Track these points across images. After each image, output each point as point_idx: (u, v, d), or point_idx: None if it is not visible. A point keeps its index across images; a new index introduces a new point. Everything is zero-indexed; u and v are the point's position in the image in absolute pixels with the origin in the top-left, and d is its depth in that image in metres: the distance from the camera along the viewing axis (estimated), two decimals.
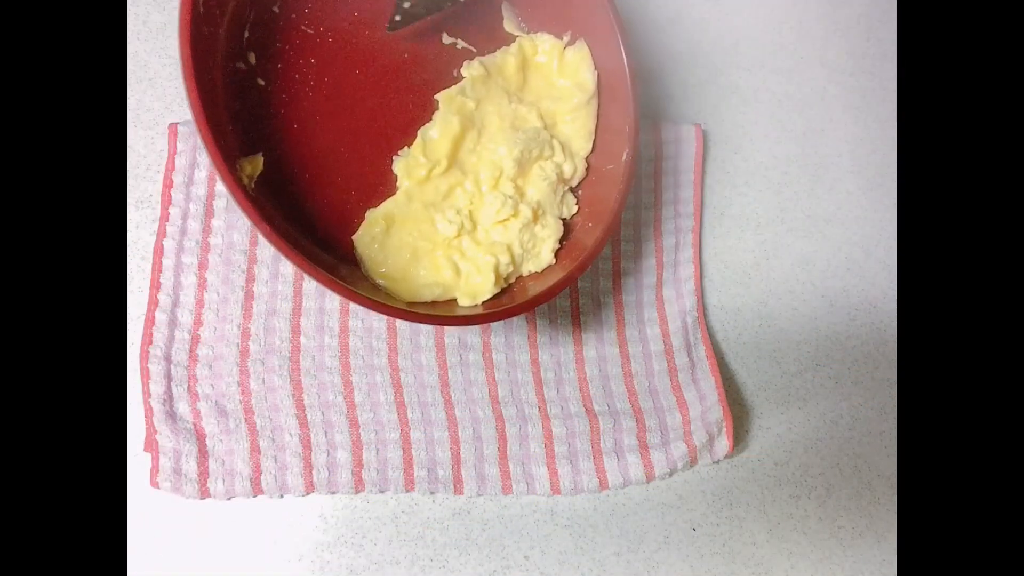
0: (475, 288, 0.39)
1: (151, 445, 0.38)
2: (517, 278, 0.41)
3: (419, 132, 0.41)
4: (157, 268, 0.41)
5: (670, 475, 0.43)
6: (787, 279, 0.50)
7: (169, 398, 0.39)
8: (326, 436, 0.40)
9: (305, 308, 0.42)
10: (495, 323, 0.44)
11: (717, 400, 0.44)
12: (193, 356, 0.40)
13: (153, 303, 0.41)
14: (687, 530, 0.43)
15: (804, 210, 0.51)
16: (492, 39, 0.44)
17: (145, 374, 0.39)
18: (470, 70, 0.42)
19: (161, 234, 0.42)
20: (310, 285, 0.43)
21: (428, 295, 0.39)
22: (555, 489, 0.41)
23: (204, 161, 0.43)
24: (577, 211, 0.43)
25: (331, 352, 0.42)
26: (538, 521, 0.42)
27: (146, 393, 0.39)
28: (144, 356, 0.40)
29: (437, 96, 0.41)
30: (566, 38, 0.43)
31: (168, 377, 0.40)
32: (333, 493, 0.40)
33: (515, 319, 0.45)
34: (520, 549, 0.41)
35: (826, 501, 0.45)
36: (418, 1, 0.40)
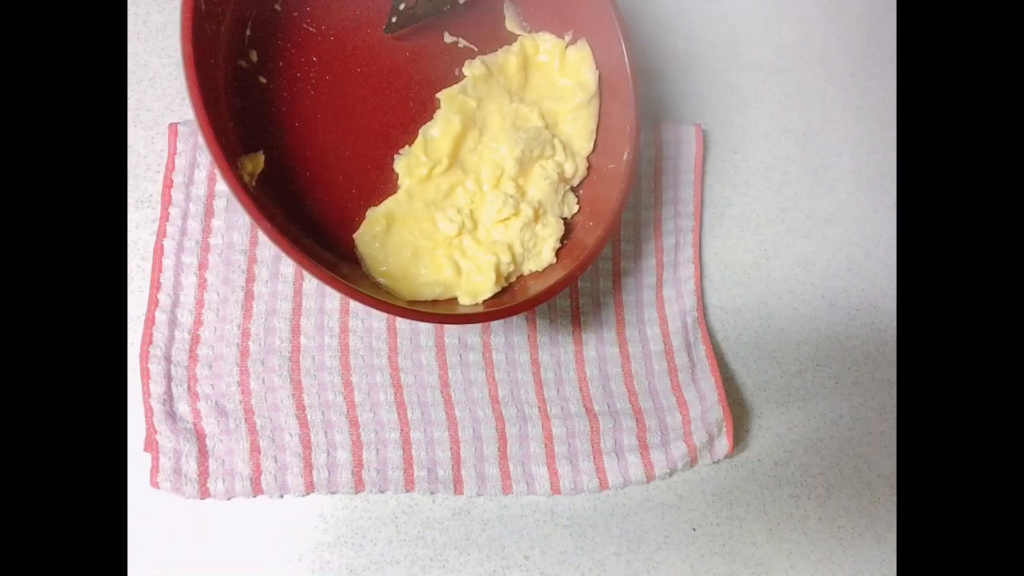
0: (476, 287, 0.39)
1: (151, 445, 0.38)
2: (518, 277, 0.41)
3: (420, 131, 0.41)
4: (157, 268, 0.41)
5: (670, 475, 0.43)
6: (787, 279, 0.50)
7: (169, 398, 0.39)
8: (326, 436, 0.40)
9: (305, 308, 0.42)
10: (495, 323, 0.44)
11: (717, 400, 0.44)
12: (193, 356, 0.40)
13: (153, 303, 0.41)
14: (687, 530, 0.43)
15: (804, 210, 0.51)
16: (494, 38, 0.44)
17: (145, 374, 0.39)
18: (472, 69, 0.42)
19: (161, 234, 0.42)
20: (310, 285, 0.43)
21: (429, 294, 0.39)
22: (555, 489, 0.41)
23: (204, 161, 0.43)
24: (578, 210, 0.43)
25: (331, 352, 0.42)
26: (538, 521, 0.42)
27: (146, 393, 0.39)
28: (144, 356, 0.40)
29: (438, 95, 0.41)
30: (568, 37, 0.43)
31: (168, 377, 0.40)
32: (333, 493, 0.40)
33: (515, 319, 0.45)
34: (520, 549, 0.41)
35: (826, 501, 0.45)
36: (415, 4, 0.40)
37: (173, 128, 0.43)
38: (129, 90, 0.44)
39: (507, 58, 0.43)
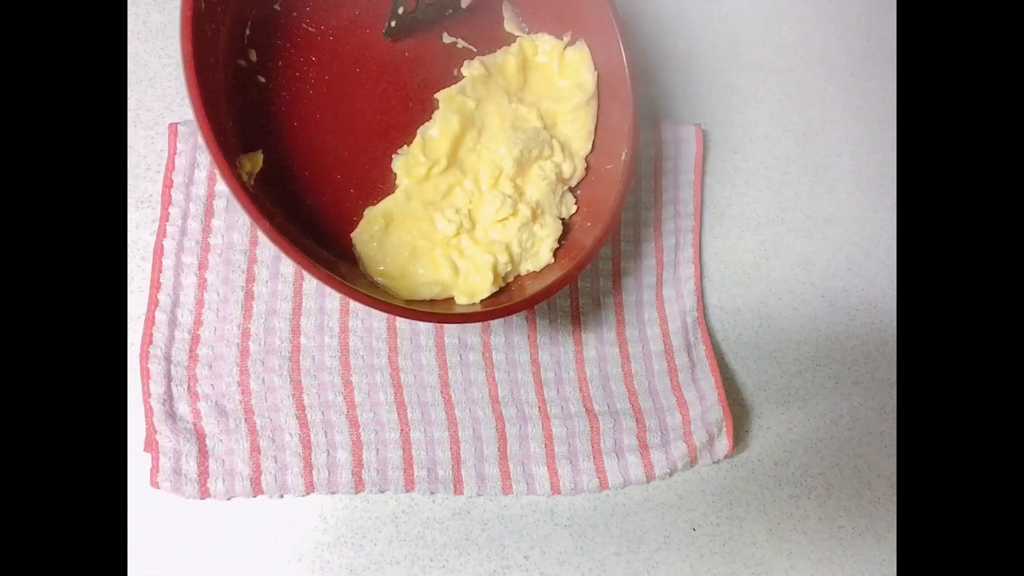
0: (473, 287, 0.39)
1: (151, 445, 0.38)
2: (515, 277, 0.41)
3: (419, 131, 0.41)
4: (157, 268, 0.41)
5: (670, 475, 0.43)
6: (787, 279, 0.50)
7: (169, 398, 0.39)
8: (326, 436, 0.40)
9: (305, 308, 0.42)
10: (495, 323, 0.44)
11: (717, 400, 0.44)
12: (193, 356, 0.40)
13: (153, 303, 0.41)
14: (687, 530, 0.43)
15: (804, 210, 0.51)
16: (492, 39, 0.44)
17: (145, 374, 0.39)
18: (470, 69, 0.42)
19: (161, 234, 0.42)
20: (310, 285, 0.43)
21: (427, 293, 0.39)
22: (555, 489, 0.41)
23: (204, 161, 0.43)
24: (576, 211, 0.43)
25: (331, 352, 0.42)
26: (538, 521, 0.42)
27: (146, 393, 0.39)
28: (144, 356, 0.40)
29: (437, 95, 0.41)
30: (566, 38, 0.43)
31: (168, 377, 0.40)
32: (333, 493, 0.40)
33: (515, 319, 0.45)
34: (520, 549, 0.41)
35: (826, 501, 0.45)
36: (414, 9, 0.40)
37: (173, 128, 0.43)
38: (129, 90, 0.44)
39: (506, 59, 0.43)
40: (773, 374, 0.47)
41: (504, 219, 0.40)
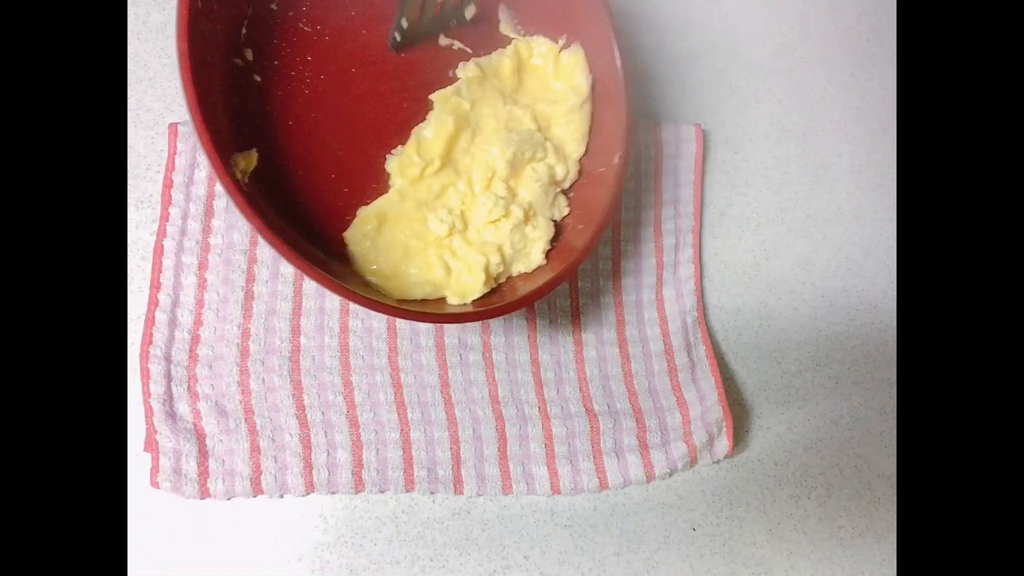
0: (465, 287, 0.39)
1: (151, 445, 0.38)
2: (507, 278, 0.41)
3: (413, 131, 0.41)
4: (157, 268, 0.41)
5: (670, 475, 0.43)
6: (787, 279, 0.50)
7: (169, 398, 0.39)
8: (326, 436, 0.40)
9: (305, 308, 0.42)
10: (495, 323, 0.44)
11: (717, 400, 0.44)
12: (193, 356, 0.40)
13: (153, 303, 0.41)
14: (687, 530, 0.43)
15: (804, 210, 0.51)
16: (488, 41, 0.44)
17: (145, 374, 0.39)
18: (466, 71, 0.42)
19: (161, 234, 0.42)
20: (310, 285, 0.43)
21: (418, 293, 0.39)
22: (555, 489, 0.41)
23: (204, 161, 0.43)
24: (568, 213, 0.43)
25: (331, 352, 0.42)
26: (538, 521, 0.42)
27: (146, 393, 0.39)
28: (144, 356, 0.40)
29: (432, 96, 0.41)
30: (562, 41, 0.43)
31: (168, 377, 0.40)
32: (333, 493, 0.40)
33: (515, 319, 0.45)
34: (520, 549, 0.41)
35: (826, 501, 0.45)
36: (418, 22, 0.41)
37: (173, 128, 0.43)
38: (129, 90, 0.44)
39: (501, 61, 0.43)
40: (773, 374, 0.47)
41: (496, 220, 0.40)
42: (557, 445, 0.42)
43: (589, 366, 0.45)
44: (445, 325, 0.43)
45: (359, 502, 0.41)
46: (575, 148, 0.43)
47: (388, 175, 0.41)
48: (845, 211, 0.52)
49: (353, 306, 0.43)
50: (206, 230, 0.42)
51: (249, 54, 0.39)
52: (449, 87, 0.42)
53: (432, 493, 0.41)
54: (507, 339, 0.44)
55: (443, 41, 0.43)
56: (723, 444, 0.43)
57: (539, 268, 0.41)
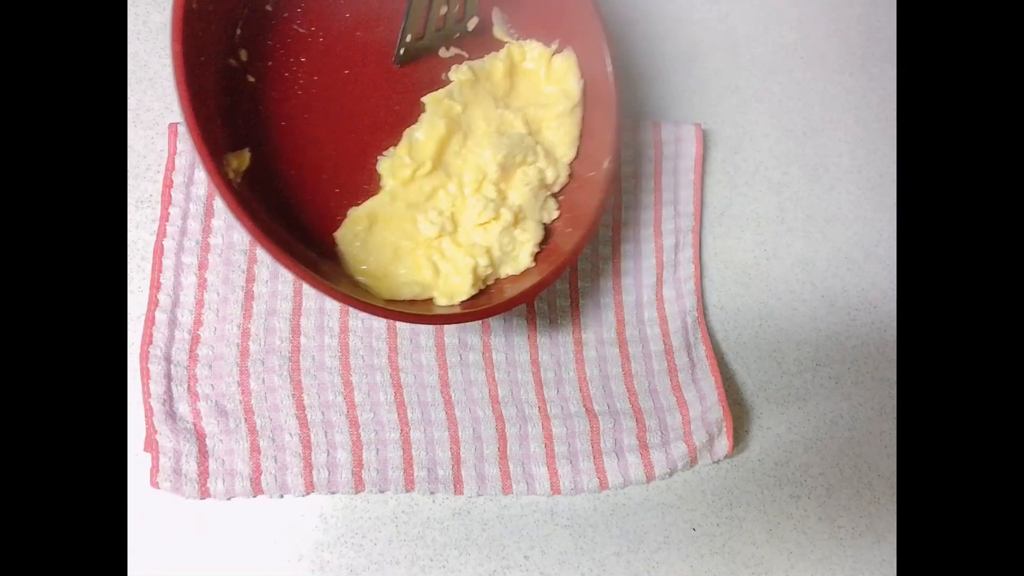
0: (453, 288, 0.39)
1: (151, 445, 0.38)
2: (495, 280, 0.41)
3: (405, 133, 0.41)
4: (157, 268, 0.41)
5: (670, 475, 0.43)
6: (787, 279, 0.50)
7: (169, 398, 0.39)
8: (326, 436, 0.40)
9: (305, 308, 0.42)
10: (495, 323, 0.44)
11: (717, 400, 0.44)
12: (193, 356, 0.41)
13: (153, 303, 0.41)
14: (687, 530, 0.43)
15: (804, 210, 0.51)
16: (481, 44, 0.44)
17: (145, 374, 0.39)
18: (458, 74, 0.42)
19: (161, 234, 0.42)
20: None
21: (407, 293, 0.39)
22: (555, 489, 0.41)
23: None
24: (558, 216, 0.43)
25: (331, 352, 0.42)
26: (538, 521, 0.42)
27: (146, 393, 0.39)
28: (144, 356, 0.40)
29: (424, 98, 0.41)
30: (554, 46, 0.44)
31: (168, 377, 0.40)
32: (333, 493, 0.40)
33: (515, 319, 0.45)
34: (520, 549, 0.41)
35: (826, 501, 0.45)
36: (422, 35, 0.41)
37: (173, 128, 0.43)
38: (129, 90, 0.45)
39: (494, 64, 0.43)
40: (773, 374, 0.47)
41: (486, 223, 0.40)
42: (557, 445, 0.42)
43: (589, 366, 0.45)
44: (445, 325, 0.43)
45: (359, 502, 0.41)
46: (566, 152, 0.43)
47: (379, 176, 0.41)
48: (845, 211, 0.52)
49: None
50: (206, 230, 0.42)
51: (243, 55, 0.39)
52: (441, 90, 0.42)
53: (432, 493, 0.41)
54: (507, 339, 0.44)
55: (444, 53, 0.43)
56: (723, 444, 0.43)
57: (527, 271, 0.41)
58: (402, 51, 0.41)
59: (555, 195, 0.44)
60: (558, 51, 0.44)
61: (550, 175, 0.42)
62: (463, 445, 0.41)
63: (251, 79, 0.39)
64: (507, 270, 0.41)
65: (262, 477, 0.39)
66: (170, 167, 0.43)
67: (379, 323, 0.43)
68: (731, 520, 0.44)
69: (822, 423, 0.47)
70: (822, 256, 0.51)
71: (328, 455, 0.40)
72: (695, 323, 0.46)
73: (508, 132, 0.42)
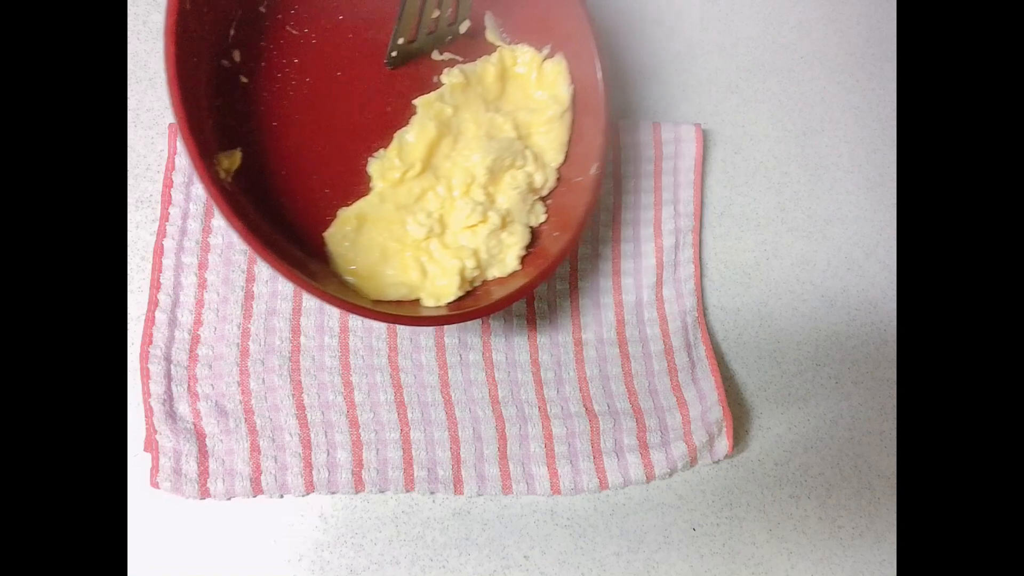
0: (440, 290, 0.39)
1: (151, 445, 0.38)
2: (482, 282, 0.42)
3: (396, 135, 0.41)
4: (157, 268, 0.41)
5: (670, 475, 0.43)
6: (787, 279, 0.50)
7: (169, 398, 0.39)
8: (326, 436, 0.40)
9: (305, 308, 0.42)
10: (495, 323, 0.44)
11: (717, 400, 0.44)
12: (193, 356, 0.41)
13: (153, 303, 0.41)
14: (687, 530, 0.43)
15: (804, 210, 0.51)
16: (474, 48, 0.44)
17: (145, 374, 0.39)
18: (450, 77, 0.42)
19: (161, 234, 0.42)
20: None
21: (394, 294, 0.39)
22: (555, 489, 0.41)
23: None
24: (546, 219, 0.43)
25: (331, 352, 0.42)
26: (538, 521, 0.42)
27: (146, 393, 0.39)
28: (144, 356, 0.40)
29: (415, 101, 0.42)
30: (545, 51, 0.44)
31: (168, 377, 0.40)
32: (333, 493, 0.40)
33: (515, 319, 0.45)
34: (520, 549, 0.41)
35: (826, 501, 0.45)
36: (414, 39, 0.41)
37: (173, 128, 0.43)
38: (129, 90, 0.45)
39: (485, 68, 0.43)
40: (773, 374, 0.47)
41: (474, 226, 0.41)
42: (557, 445, 0.42)
43: (589, 366, 0.45)
44: (442, 326, 0.43)
45: (359, 502, 0.41)
46: (554, 156, 0.44)
47: (369, 177, 0.41)
48: (845, 211, 0.52)
49: None
50: (206, 230, 0.42)
51: (236, 55, 0.39)
52: (433, 93, 0.42)
53: (432, 493, 0.41)
54: (507, 339, 0.44)
55: (436, 56, 0.43)
56: (723, 444, 0.43)
57: (514, 273, 0.42)
58: (394, 54, 0.41)
59: (543, 199, 0.44)
60: (549, 56, 0.44)
61: (538, 179, 0.43)
62: (463, 445, 0.41)
63: (244, 80, 0.39)
64: (494, 272, 0.42)
65: (262, 477, 0.39)
66: (170, 167, 0.43)
67: (379, 323, 0.43)
68: (731, 520, 0.44)
69: (822, 423, 0.47)
70: (822, 256, 0.51)
71: (328, 455, 0.40)
72: (695, 323, 0.46)
73: (498, 136, 0.42)
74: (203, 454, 0.39)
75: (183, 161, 0.43)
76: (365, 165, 0.41)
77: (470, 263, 0.40)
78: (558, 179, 0.44)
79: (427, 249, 0.40)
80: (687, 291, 0.47)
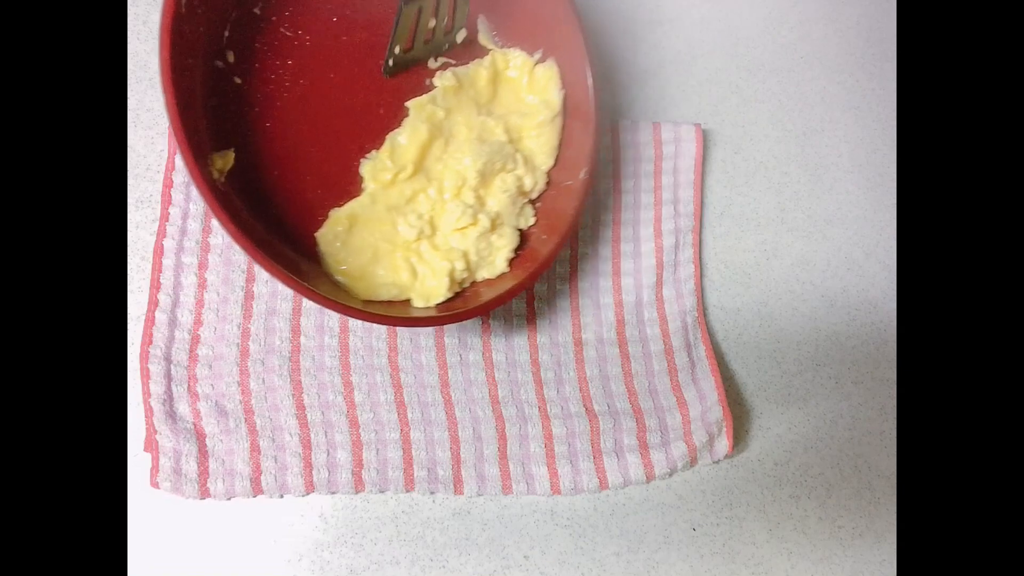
0: (430, 291, 0.40)
1: (151, 445, 0.38)
2: (472, 284, 0.42)
3: (388, 137, 0.41)
4: (157, 268, 0.41)
5: (670, 475, 0.43)
6: (787, 279, 0.50)
7: (169, 398, 0.39)
8: (326, 436, 0.40)
9: (305, 308, 0.42)
10: (495, 323, 0.44)
11: (717, 400, 0.44)
12: (193, 356, 0.41)
13: (153, 303, 0.41)
14: (687, 530, 0.43)
15: (804, 210, 0.51)
16: (466, 51, 0.44)
17: (145, 374, 0.39)
18: (442, 80, 0.42)
19: (161, 234, 0.42)
20: None
21: (385, 294, 0.39)
22: (555, 489, 0.41)
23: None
24: (535, 222, 0.44)
25: (331, 352, 0.42)
26: (538, 521, 0.42)
27: (146, 393, 0.39)
28: (144, 356, 0.40)
29: (408, 103, 0.42)
30: (537, 55, 0.44)
31: (168, 377, 0.40)
32: (333, 493, 0.40)
33: (515, 319, 0.45)
34: (520, 549, 0.41)
35: (826, 501, 0.45)
36: (410, 48, 0.41)
37: None
38: (129, 90, 0.45)
39: (478, 71, 0.43)
40: (773, 374, 0.47)
41: (464, 228, 0.41)
42: (557, 445, 0.42)
43: (589, 366, 0.45)
44: (439, 325, 0.44)
45: (359, 502, 0.41)
46: (544, 160, 0.44)
47: (361, 178, 0.41)
48: (845, 211, 0.52)
49: None
50: (206, 230, 0.42)
51: (231, 56, 0.39)
52: (425, 95, 0.42)
53: (432, 493, 0.41)
54: (507, 339, 0.44)
55: (432, 65, 0.44)
56: (723, 444, 0.43)
57: (503, 275, 0.42)
58: (391, 63, 0.42)
59: (532, 202, 0.44)
60: (541, 61, 0.44)
61: (528, 182, 0.43)
62: (463, 445, 0.41)
63: (238, 81, 0.40)
64: (483, 274, 0.42)
65: (262, 477, 0.39)
66: (170, 167, 0.43)
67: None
68: (731, 520, 0.44)
69: (822, 423, 0.47)
70: (822, 256, 0.51)
71: (328, 455, 0.40)
72: (695, 323, 0.46)
73: (489, 139, 0.42)
74: (203, 454, 0.39)
75: (183, 161, 0.43)
76: (357, 166, 0.41)
77: (460, 265, 0.40)
78: (548, 183, 0.44)
79: (417, 250, 0.40)
80: (687, 291, 0.47)
